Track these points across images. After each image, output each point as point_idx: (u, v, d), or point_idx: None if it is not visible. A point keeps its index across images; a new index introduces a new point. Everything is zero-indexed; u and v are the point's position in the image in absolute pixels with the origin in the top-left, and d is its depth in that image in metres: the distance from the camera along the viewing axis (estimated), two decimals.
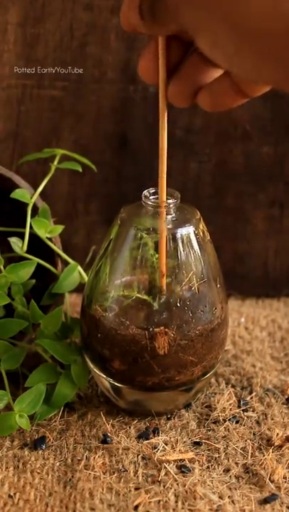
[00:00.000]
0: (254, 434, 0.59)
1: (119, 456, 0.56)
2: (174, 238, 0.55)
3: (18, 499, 0.53)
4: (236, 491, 0.53)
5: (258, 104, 0.71)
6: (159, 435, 0.58)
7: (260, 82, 0.46)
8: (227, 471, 0.55)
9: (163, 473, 0.54)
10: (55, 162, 0.65)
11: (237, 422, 0.60)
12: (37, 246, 0.63)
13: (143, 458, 0.56)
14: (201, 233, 0.57)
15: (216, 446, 0.57)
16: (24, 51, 0.68)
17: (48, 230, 0.63)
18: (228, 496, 0.53)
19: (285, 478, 0.54)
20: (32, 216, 0.62)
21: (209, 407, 0.61)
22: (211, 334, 0.57)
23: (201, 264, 0.56)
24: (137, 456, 0.56)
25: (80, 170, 0.65)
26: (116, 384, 0.58)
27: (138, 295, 0.55)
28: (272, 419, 0.60)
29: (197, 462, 0.56)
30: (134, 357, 0.56)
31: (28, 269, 0.61)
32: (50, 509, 0.52)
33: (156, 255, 0.55)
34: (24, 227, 0.62)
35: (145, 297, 0.55)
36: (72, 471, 0.55)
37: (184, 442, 0.58)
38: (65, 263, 0.64)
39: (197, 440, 0.58)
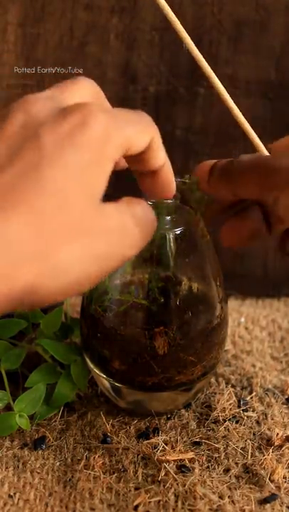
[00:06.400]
0: (254, 434, 0.59)
1: (119, 456, 0.56)
2: (174, 238, 0.55)
3: (18, 499, 0.53)
4: (236, 491, 0.53)
5: (258, 104, 0.71)
6: (159, 435, 0.58)
7: None
8: (227, 471, 0.55)
9: (163, 473, 0.54)
10: None
11: (237, 422, 0.60)
12: None
13: (143, 458, 0.56)
14: (201, 233, 0.57)
15: (216, 446, 0.57)
16: (24, 51, 0.68)
17: None
18: (228, 496, 0.53)
19: (285, 478, 0.54)
20: None
21: (209, 407, 0.61)
22: (210, 334, 0.57)
23: (200, 264, 0.56)
24: (137, 456, 0.56)
25: None
26: (116, 384, 0.58)
27: (135, 300, 0.55)
28: (272, 419, 0.60)
29: (197, 462, 0.56)
30: (134, 357, 0.56)
31: None
32: (50, 509, 0.52)
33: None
34: None
35: (142, 301, 0.55)
36: (72, 471, 0.55)
37: (184, 442, 0.58)
38: None
39: (197, 440, 0.58)
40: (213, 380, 0.64)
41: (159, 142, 0.45)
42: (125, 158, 0.45)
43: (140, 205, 0.43)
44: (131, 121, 0.42)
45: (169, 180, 0.47)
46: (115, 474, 0.55)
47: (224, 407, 0.61)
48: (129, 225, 0.42)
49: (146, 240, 0.43)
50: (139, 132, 0.42)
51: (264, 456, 0.56)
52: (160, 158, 0.45)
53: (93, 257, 0.39)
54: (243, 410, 0.61)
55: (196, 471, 0.55)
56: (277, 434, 0.58)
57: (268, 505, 0.52)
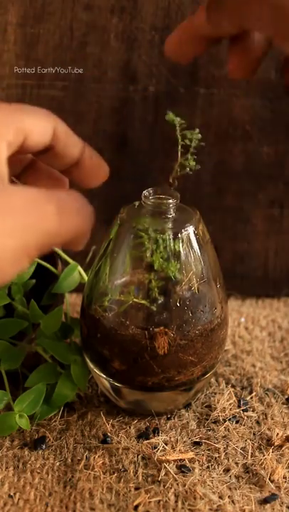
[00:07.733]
0: (254, 434, 0.59)
1: (119, 456, 0.56)
2: (174, 238, 0.55)
3: (18, 499, 0.53)
4: (236, 491, 0.53)
5: (258, 105, 0.71)
6: (159, 435, 0.58)
7: None
8: (227, 471, 0.55)
9: (163, 473, 0.54)
10: None
11: (237, 422, 0.60)
12: None
13: (143, 458, 0.56)
14: (201, 233, 0.57)
15: (216, 446, 0.57)
16: (24, 51, 0.68)
17: None
18: (228, 496, 0.53)
19: (285, 478, 0.54)
20: None
21: (209, 407, 0.61)
22: (210, 334, 0.57)
23: (201, 264, 0.56)
24: (137, 456, 0.56)
25: None
26: (116, 384, 0.58)
27: (135, 299, 0.55)
28: (272, 419, 0.60)
29: (197, 462, 0.56)
30: (134, 357, 0.56)
31: (28, 269, 0.61)
32: (50, 509, 0.52)
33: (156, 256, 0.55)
34: None
35: (142, 301, 0.55)
36: (72, 471, 0.55)
37: (184, 442, 0.58)
38: (65, 263, 0.64)
39: (197, 440, 0.58)
40: (213, 380, 0.64)
41: (67, 130, 0.45)
42: (41, 158, 0.45)
43: (66, 192, 0.43)
44: (26, 110, 0.42)
45: (95, 162, 0.47)
46: (115, 474, 0.55)
47: (224, 407, 0.61)
48: (40, 200, 0.41)
49: (70, 221, 0.42)
50: (36, 119, 0.43)
51: (264, 456, 0.56)
52: (74, 144, 0.45)
53: (2, 231, 0.39)
54: (243, 410, 0.61)
55: (196, 471, 0.55)
56: (277, 434, 0.58)
57: (267, 505, 0.52)
